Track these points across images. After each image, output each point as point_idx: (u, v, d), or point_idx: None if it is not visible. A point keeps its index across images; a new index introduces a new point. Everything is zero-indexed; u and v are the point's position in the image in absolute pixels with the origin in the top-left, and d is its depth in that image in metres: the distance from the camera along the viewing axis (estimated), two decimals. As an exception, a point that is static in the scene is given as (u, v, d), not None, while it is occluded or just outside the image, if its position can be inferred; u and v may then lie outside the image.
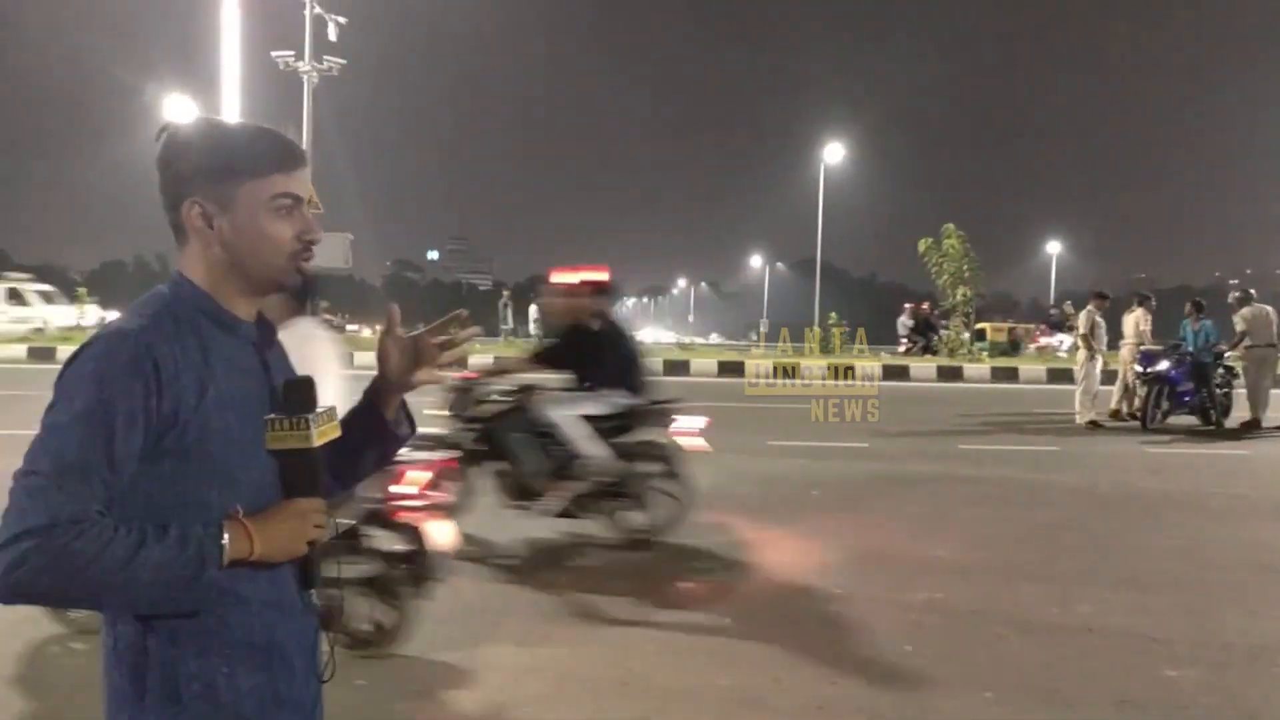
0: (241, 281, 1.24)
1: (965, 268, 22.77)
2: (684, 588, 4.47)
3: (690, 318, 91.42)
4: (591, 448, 4.93)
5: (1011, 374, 19.43)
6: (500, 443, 5.01)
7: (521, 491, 5.05)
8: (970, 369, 19.83)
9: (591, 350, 5.10)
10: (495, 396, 5.24)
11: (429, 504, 3.49)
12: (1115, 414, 12.06)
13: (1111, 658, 3.69)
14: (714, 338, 67.87)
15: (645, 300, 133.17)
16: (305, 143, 25.53)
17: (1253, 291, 11.88)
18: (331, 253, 25.59)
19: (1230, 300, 12.05)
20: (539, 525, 5.69)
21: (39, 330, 21.76)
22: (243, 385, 1.21)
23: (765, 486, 7.12)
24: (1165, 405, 11.16)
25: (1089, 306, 11.80)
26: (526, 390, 5.17)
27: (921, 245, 23.29)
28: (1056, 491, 7.28)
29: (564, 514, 4.99)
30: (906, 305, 25.74)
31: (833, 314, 25.66)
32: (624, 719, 3.08)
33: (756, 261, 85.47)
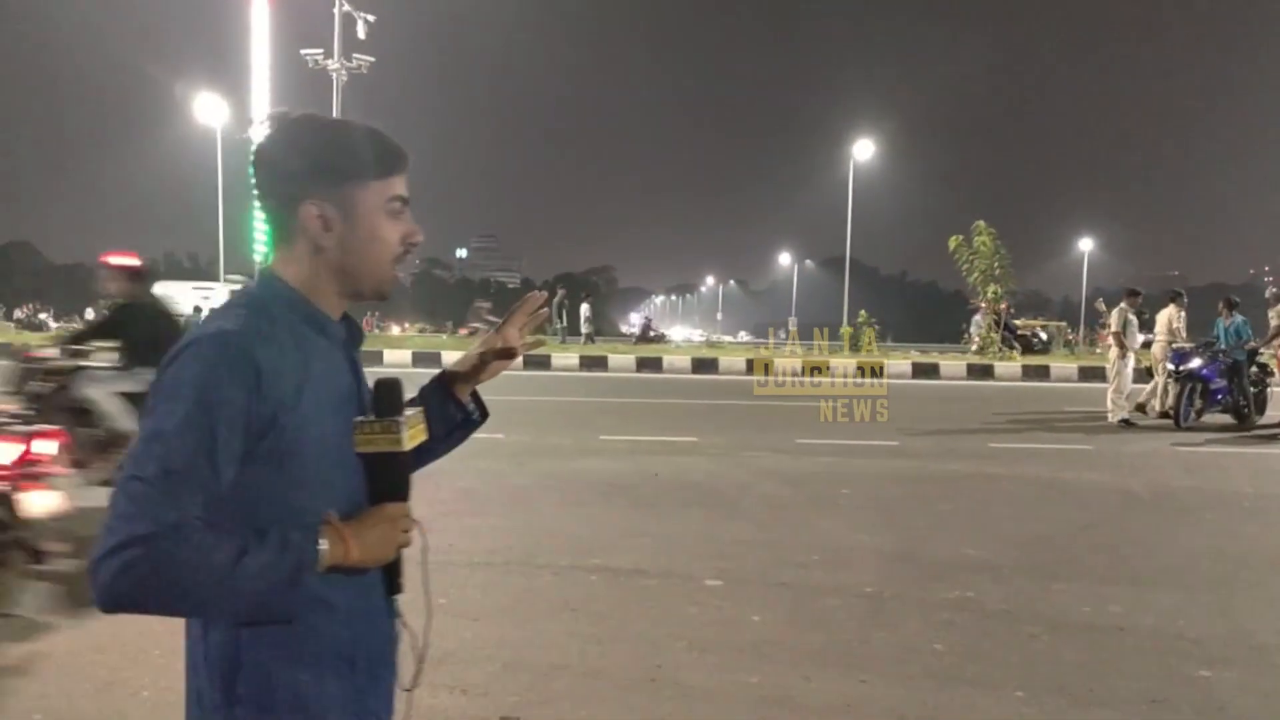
0: (345, 284, 1.22)
1: (996, 265, 22.56)
2: (712, 585, 4.50)
3: (719, 315, 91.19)
4: (128, 423, 5.28)
5: (1043, 372, 19.20)
6: (49, 419, 5.22)
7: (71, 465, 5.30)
8: (1001, 367, 19.63)
9: (128, 329, 5.48)
10: (44, 375, 5.67)
11: (23, 475, 3.63)
12: (1141, 407, 11.91)
13: (1144, 657, 3.67)
14: (743, 335, 67.59)
15: (674, 298, 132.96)
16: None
17: None
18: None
19: (1267, 295, 11.84)
20: (568, 520, 5.74)
21: None
22: (334, 387, 1.20)
23: (794, 485, 7.12)
24: (1199, 404, 10.98)
25: (1121, 304, 11.64)
26: (72, 369, 5.59)
27: (952, 242, 23.12)
28: (1089, 490, 7.20)
29: (106, 483, 5.13)
30: (981, 304, 25.77)
31: (862, 311, 25.51)
32: (652, 717, 3.11)
33: (785, 259, 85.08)
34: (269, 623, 1.13)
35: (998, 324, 23.06)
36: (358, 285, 1.23)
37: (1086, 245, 64.43)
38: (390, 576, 1.24)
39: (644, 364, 19.34)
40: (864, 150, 34.89)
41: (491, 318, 29.05)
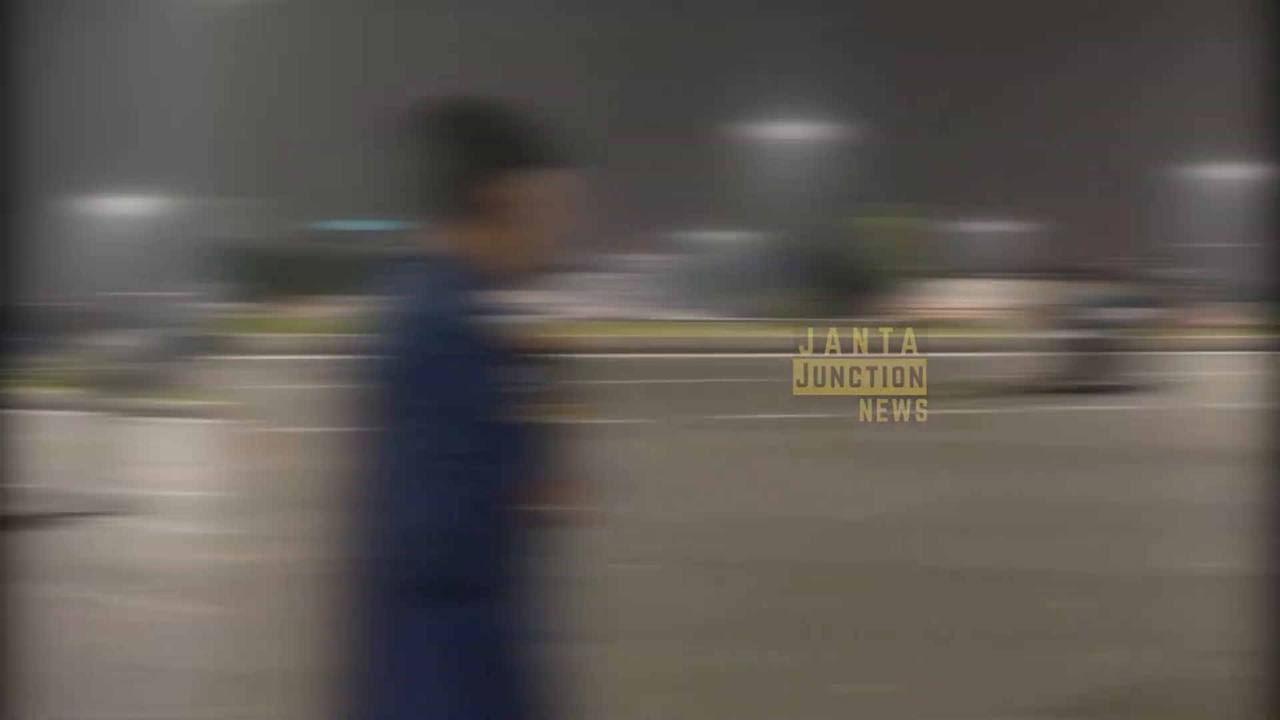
0: (516, 259, 1.30)
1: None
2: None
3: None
4: None
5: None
6: None
7: None
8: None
9: None
10: None
11: None
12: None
13: (1004, 596, 4.24)
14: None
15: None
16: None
17: None
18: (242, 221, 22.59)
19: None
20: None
21: None
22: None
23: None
24: (1072, 369, 12.06)
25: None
26: None
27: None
28: (979, 451, 7.89)
29: None
30: None
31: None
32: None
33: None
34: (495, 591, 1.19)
35: None
36: (522, 261, 1.31)
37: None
38: None
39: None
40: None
41: None
